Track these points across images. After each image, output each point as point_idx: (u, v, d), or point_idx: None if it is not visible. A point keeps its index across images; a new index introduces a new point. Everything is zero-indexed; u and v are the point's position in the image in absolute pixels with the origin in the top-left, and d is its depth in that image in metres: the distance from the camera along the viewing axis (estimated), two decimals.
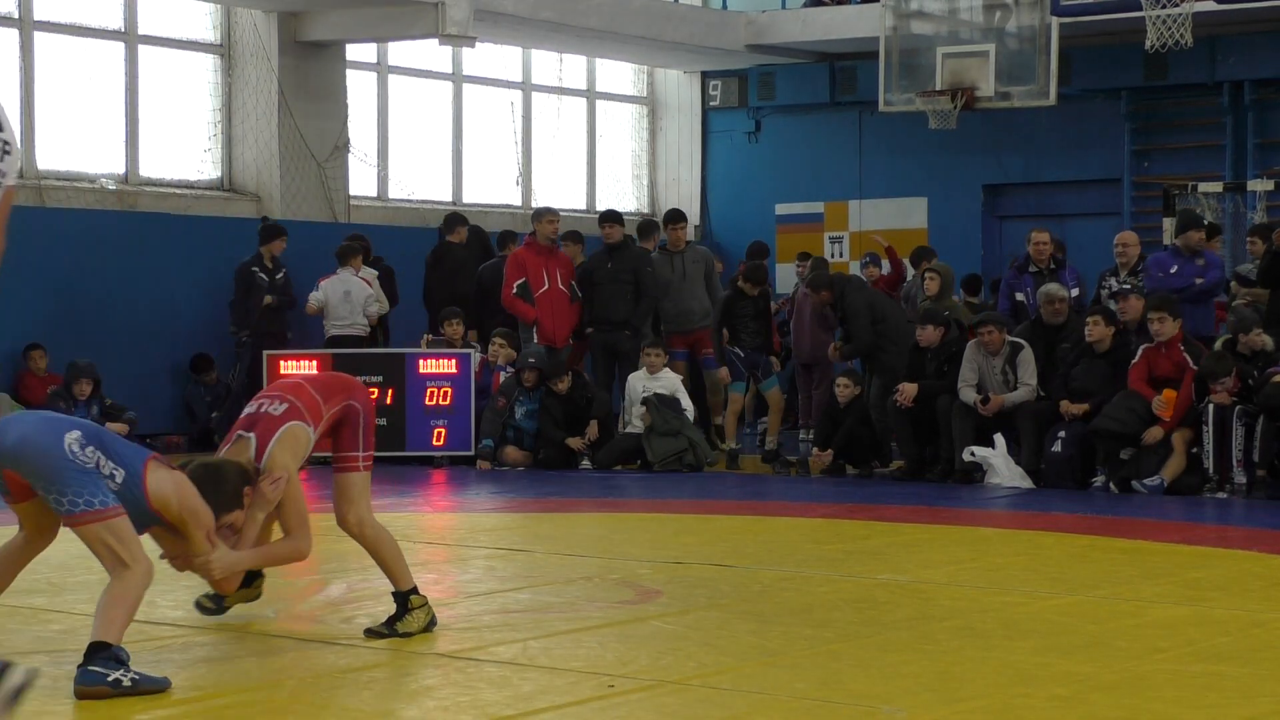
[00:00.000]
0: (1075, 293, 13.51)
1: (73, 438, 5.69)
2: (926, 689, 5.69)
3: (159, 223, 15.84)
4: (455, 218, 16.38)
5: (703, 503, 11.86)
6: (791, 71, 20.44)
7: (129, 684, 5.54)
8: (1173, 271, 13.26)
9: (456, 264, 15.91)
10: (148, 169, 16.72)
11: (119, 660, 5.57)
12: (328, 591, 7.58)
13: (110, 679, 5.51)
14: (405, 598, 6.53)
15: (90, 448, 5.72)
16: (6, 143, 4.94)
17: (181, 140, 17.02)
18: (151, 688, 5.58)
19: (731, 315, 14.20)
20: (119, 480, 5.75)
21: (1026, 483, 12.41)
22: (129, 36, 16.55)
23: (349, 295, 15.21)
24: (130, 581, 5.69)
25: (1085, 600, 7.50)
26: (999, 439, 12.57)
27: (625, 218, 15.56)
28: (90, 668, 5.52)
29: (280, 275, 15.53)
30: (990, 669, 6.03)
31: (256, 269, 15.44)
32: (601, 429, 14.02)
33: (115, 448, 5.81)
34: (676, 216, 15.44)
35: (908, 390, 12.95)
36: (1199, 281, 13.21)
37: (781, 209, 20.60)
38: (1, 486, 5.84)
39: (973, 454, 12.64)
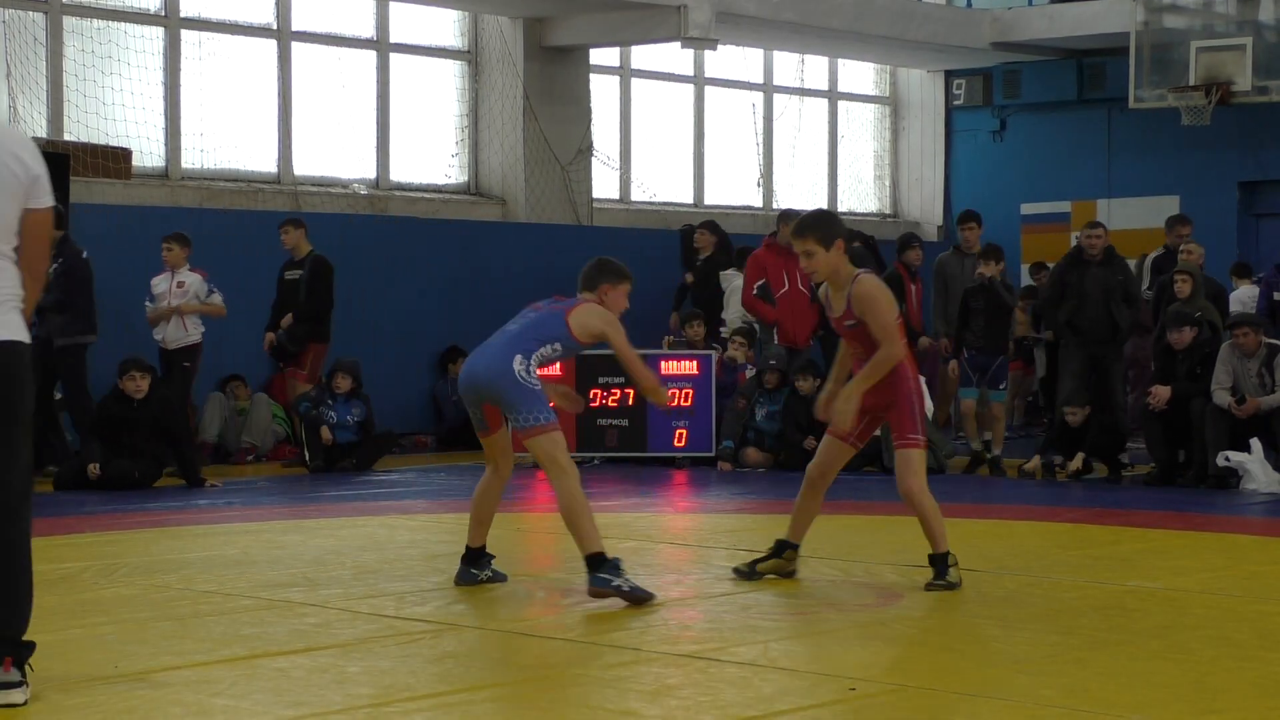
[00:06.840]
0: None
1: (518, 362, 7.04)
2: (1178, 699, 5.55)
3: (408, 226, 16.18)
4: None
5: (944, 505, 11.68)
6: (1038, 69, 20.09)
7: (627, 589, 7.00)
8: None
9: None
10: (398, 174, 17.12)
11: (617, 568, 7.04)
12: (570, 589, 7.66)
13: (614, 584, 6.99)
14: (943, 559, 7.65)
15: (532, 365, 7.05)
16: (37, 176, 5.36)
17: (430, 145, 17.40)
18: (642, 596, 7.00)
19: (964, 310, 13.96)
20: (559, 349, 7.19)
21: None
22: (380, 45, 16.97)
23: None
24: (571, 488, 7.04)
25: None
26: (1255, 443, 12.20)
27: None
28: (598, 574, 7.02)
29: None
30: (1246, 680, 5.86)
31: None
32: None
33: (541, 331, 7.14)
34: (969, 217, 15.19)
35: (1160, 393, 12.62)
36: None
37: (1027, 209, 20.27)
38: (480, 421, 7.29)
39: (1227, 459, 12.28)
